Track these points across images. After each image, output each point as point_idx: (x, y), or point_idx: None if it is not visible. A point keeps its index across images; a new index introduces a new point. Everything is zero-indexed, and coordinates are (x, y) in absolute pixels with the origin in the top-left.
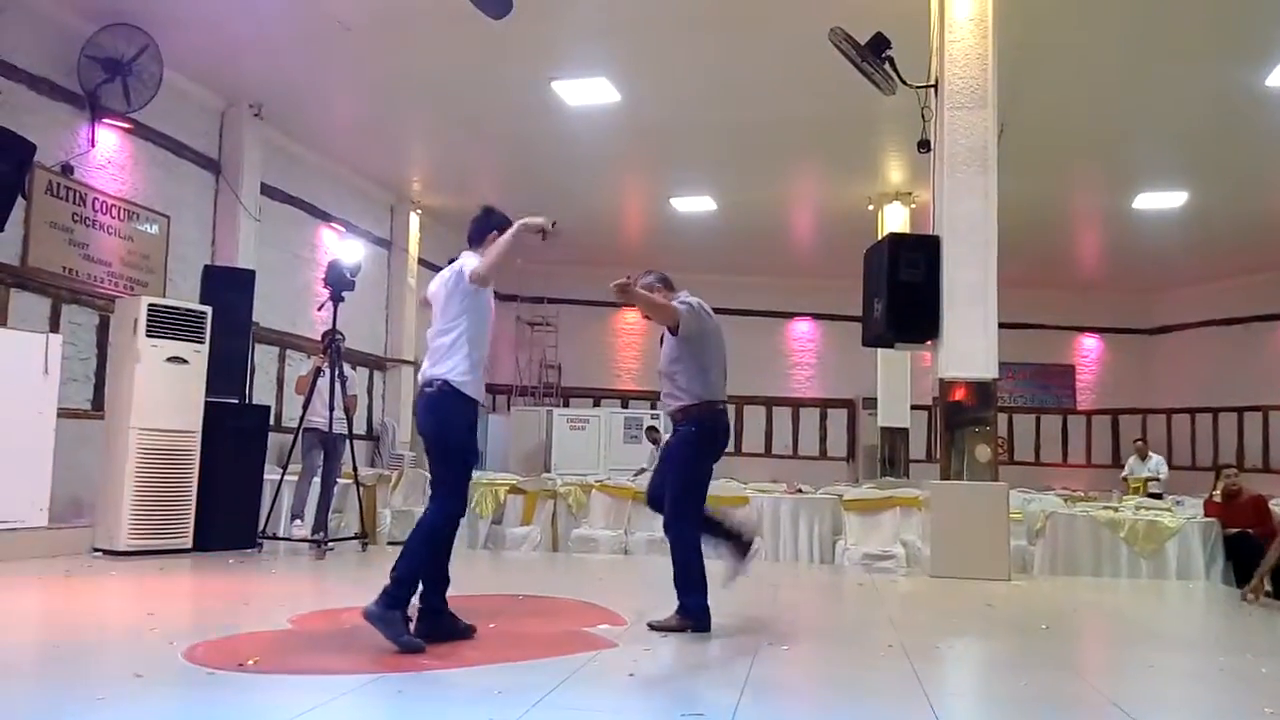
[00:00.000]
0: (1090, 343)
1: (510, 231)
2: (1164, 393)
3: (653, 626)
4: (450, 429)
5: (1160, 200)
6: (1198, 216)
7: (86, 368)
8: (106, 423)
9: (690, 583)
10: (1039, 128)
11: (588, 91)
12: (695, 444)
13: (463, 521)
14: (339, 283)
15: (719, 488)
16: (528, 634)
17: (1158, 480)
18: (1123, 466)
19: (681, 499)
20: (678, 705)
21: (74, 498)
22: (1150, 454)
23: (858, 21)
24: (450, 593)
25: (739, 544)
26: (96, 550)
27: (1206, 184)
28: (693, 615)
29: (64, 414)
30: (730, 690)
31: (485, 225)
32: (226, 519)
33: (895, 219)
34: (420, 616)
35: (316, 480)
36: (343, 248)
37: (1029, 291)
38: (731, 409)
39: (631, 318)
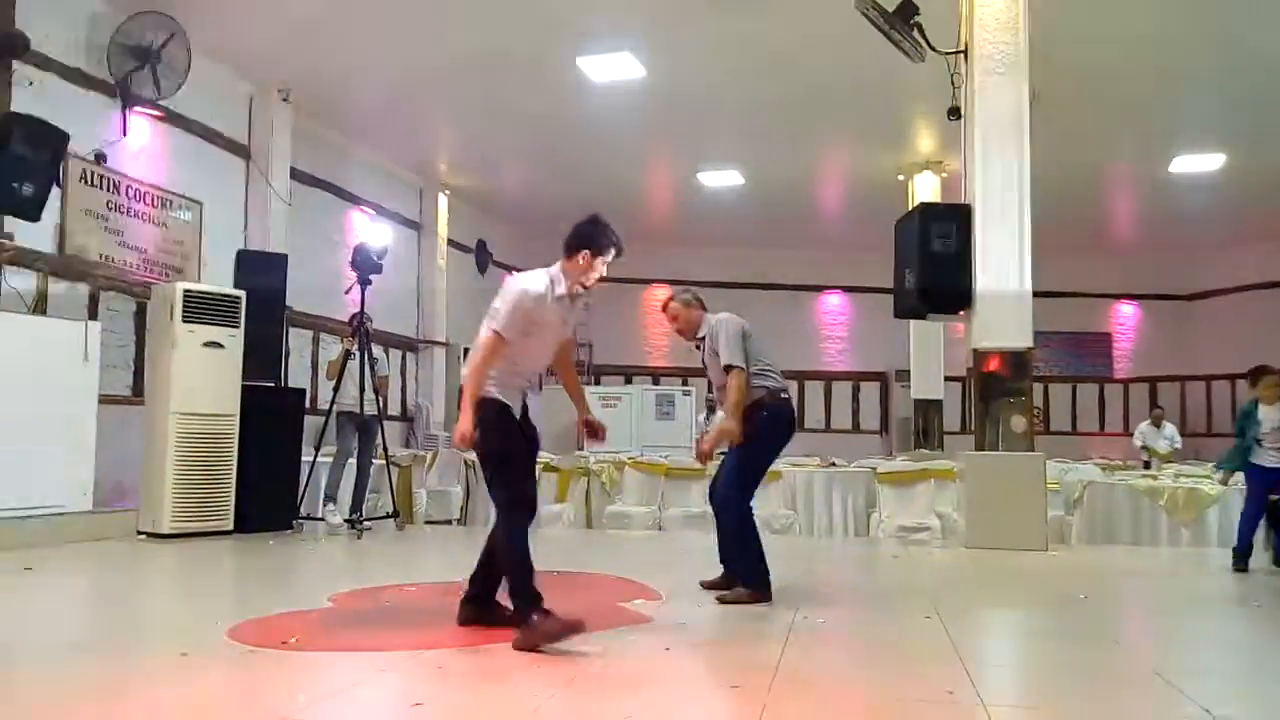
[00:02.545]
0: (1127, 310)
1: (468, 399)
2: (1203, 359)
3: (721, 599)
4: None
5: (1197, 163)
6: (1236, 179)
7: (125, 354)
8: (146, 408)
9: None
10: (1072, 92)
11: (613, 67)
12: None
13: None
14: (366, 266)
15: None
16: (564, 610)
17: (1178, 449)
18: (1141, 430)
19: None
20: (714, 677)
21: (117, 482)
22: (1165, 422)
23: None
24: None
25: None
26: (140, 533)
27: (1245, 146)
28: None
29: (105, 400)
30: (766, 662)
31: (583, 239)
32: (265, 501)
33: (926, 189)
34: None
35: (351, 463)
36: (373, 231)
37: (1064, 259)
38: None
39: (661, 294)
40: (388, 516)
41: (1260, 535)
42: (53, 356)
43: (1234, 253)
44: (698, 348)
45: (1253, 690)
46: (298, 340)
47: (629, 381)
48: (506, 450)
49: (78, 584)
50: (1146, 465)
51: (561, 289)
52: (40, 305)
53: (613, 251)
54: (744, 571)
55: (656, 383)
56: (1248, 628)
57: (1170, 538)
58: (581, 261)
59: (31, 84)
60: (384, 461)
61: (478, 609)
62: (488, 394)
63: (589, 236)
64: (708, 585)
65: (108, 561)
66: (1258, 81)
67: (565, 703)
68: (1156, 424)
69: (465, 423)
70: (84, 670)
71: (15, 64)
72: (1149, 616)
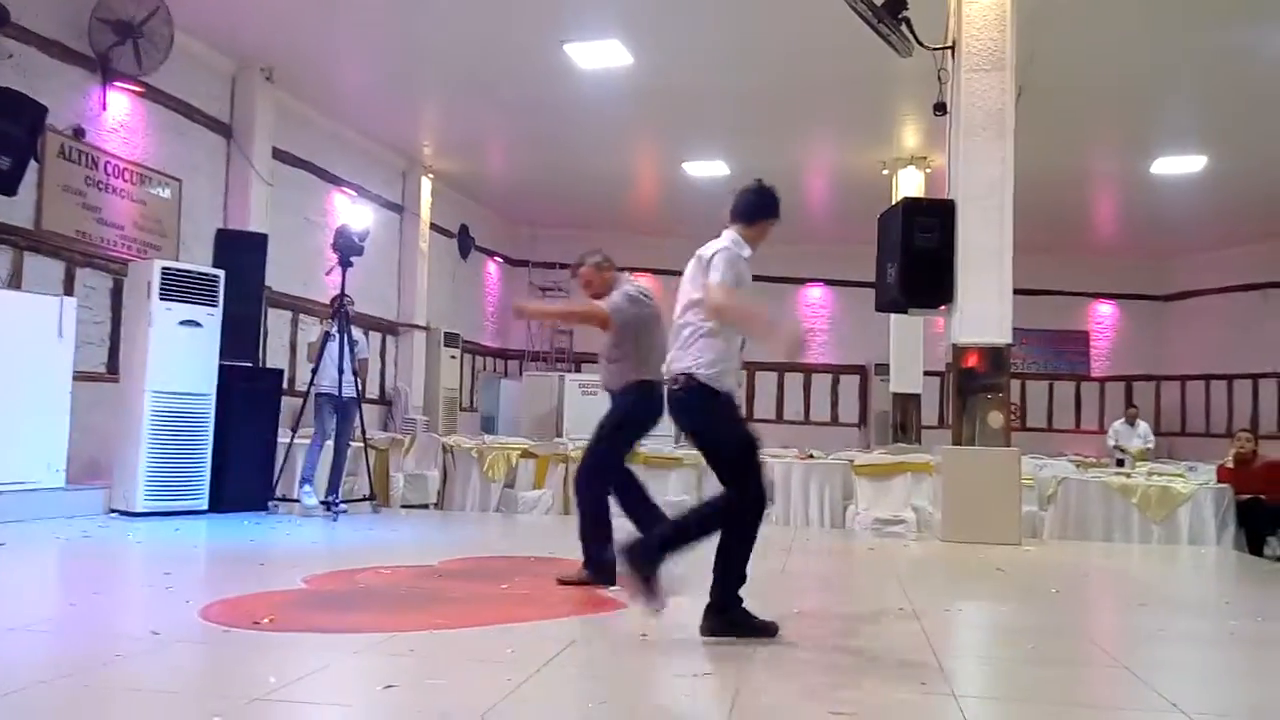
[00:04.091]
0: (1105, 309)
1: (759, 323)
2: (1179, 359)
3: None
4: (708, 426)
5: (1179, 165)
6: (1216, 181)
7: (101, 331)
8: (121, 385)
9: (601, 535)
10: (1057, 91)
11: (600, 54)
12: (632, 415)
13: (475, 485)
14: (347, 248)
15: None
16: (540, 595)
17: (1150, 448)
18: (1115, 429)
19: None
20: (688, 665)
21: (90, 459)
22: (1139, 421)
23: None
24: (465, 554)
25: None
26: (113, 511)
27: (1226, 148)
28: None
29: (79, 377)
30: (740, 650)
31: (770, 206)
32: (241, 481)
33: (910, 183)
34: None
35: (328, 444)
36: (354, 212)
37: (1044, 257)
38: (743, 374)
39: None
40: (364, 499)
41: (1230, 531)
42: (27, 332)
43: (1212, 254)
44: None
45: (1219, 685)
46: (276, 321)
47: None
48: (748, 440)
49: (49, 561)
50: (1120, 464)
51: (748, 252)
52: (15, 280)
53: None
54: (597, 553)
55: None
56: (1216, 624)
57: (1142, 535)
58: (765, 228)
59: (11, 56)
60: (361, 444)
61: (728, 620)
62: (715, 385)
63: (773, 203)
64: (564, 581)
65: (79, 539)
66: (1241, 85)
67: (539, 687)
68: (1131, 422)
69: (758, 319)
70: (53, 648)
71: None
72: (1119, 611)
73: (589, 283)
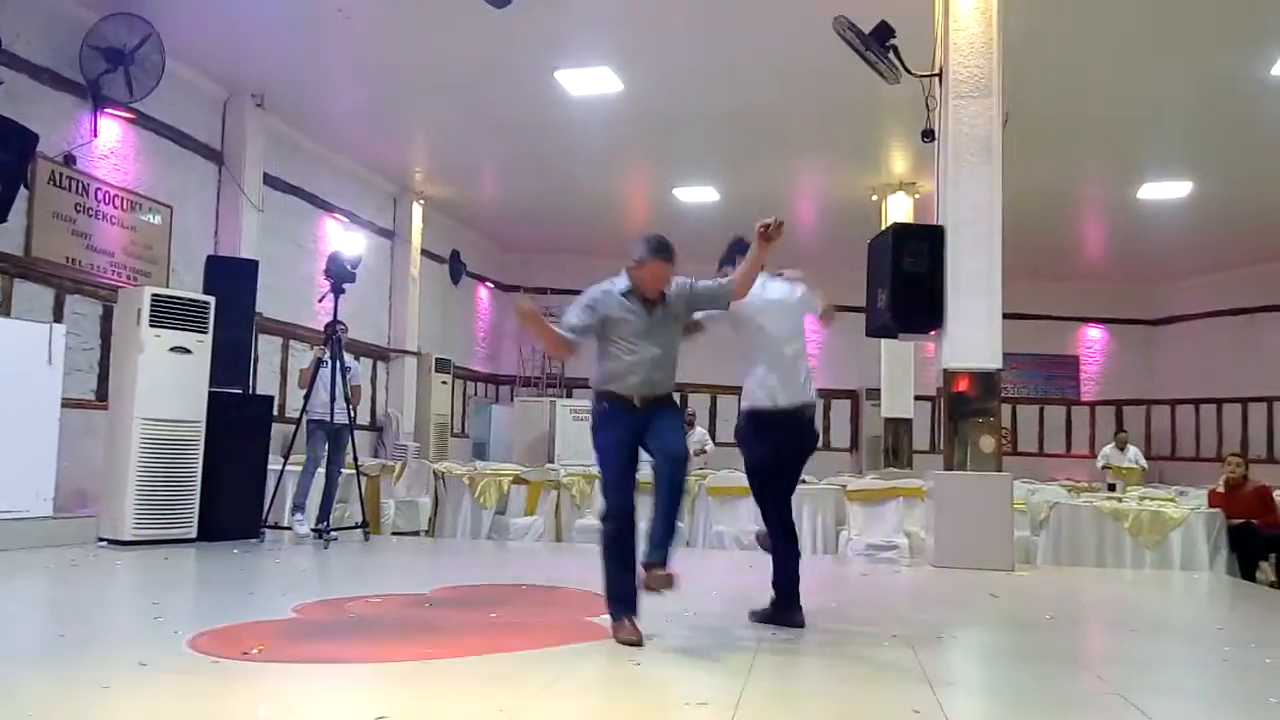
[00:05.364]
0: (1094, 333)
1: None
2: (1168, 384)
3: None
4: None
5: (1165, 190)
6: (1203, 207)
7: (90, 358)
8: (110, 413)
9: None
10: (1044, 117)
11: (591, 81)
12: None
13: (467, 512)
14: (340, 275)
15: (725, 478)
16: (532, 623)
17: (1144, 468)
18: (1105, 453)
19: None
20: (682, 693)
21: (79, 488)
22: (1129, 446)
23: (862, 10)
24: (457, 582)
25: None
26: (101, 540)
27: (1212, 174)
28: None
29: (68, 404)
30: (734, 679)
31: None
32: (230, 509)
33: (899, 209)
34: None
35: (320, 471)
36: (345, 239)
37: (1033, 282)
38: (732, 400)
39: None
40: (356, 527)
41: (1222, 556)
42: (16, 359)
43: (1200, 279)
44: (650, 302)
45: (1213, 712)
46: (266, 347)
47: None
48: None
49: (34, 591)
50: (1111, 487)
51: None
52: (4, 307)
53: None
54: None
55: None
56: (1210, 649)
57: (1134, 560)
58: None
59: (1, 84)
60: (353, 471)
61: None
62: None
63: None
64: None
65: (66, 568)
66: (1226, 110)
67: (532, 716)
68: (1121, 447)
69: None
70: (38, 680)
71: None
72: (1113, 637)
73: (667, 279)
